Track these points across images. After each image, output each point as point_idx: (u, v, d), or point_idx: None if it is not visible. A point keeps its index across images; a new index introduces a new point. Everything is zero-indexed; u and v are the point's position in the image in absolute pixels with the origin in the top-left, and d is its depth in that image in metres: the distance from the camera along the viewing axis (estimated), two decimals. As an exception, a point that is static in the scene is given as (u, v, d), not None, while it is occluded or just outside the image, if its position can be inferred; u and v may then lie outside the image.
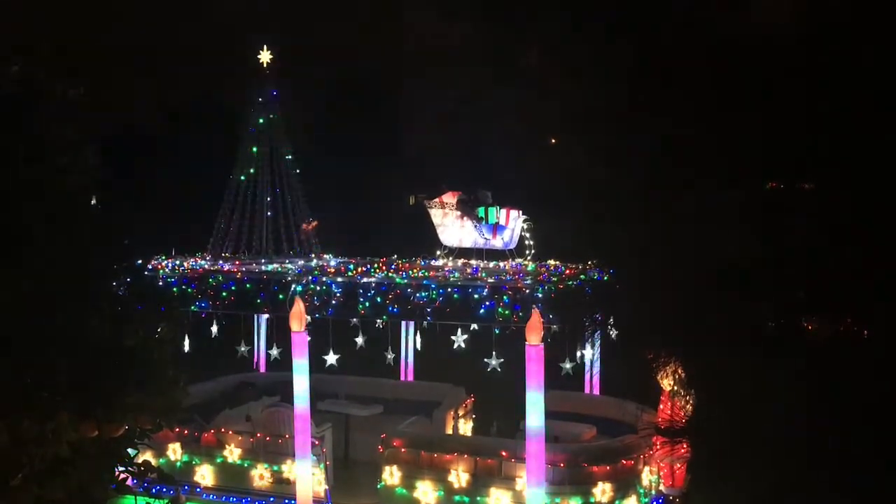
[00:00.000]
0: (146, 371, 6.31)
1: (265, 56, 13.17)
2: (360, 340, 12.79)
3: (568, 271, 10.88)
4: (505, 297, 9.83)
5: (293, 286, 10.74)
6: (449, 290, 10.14)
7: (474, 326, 10.64)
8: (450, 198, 11.95)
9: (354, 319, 12.07)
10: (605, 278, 10.63)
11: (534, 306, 9.53)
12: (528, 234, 11.70)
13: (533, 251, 11.76)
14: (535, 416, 9.36)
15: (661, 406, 9.86)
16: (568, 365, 11.37)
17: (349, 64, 23.35)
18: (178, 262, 12.23)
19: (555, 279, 10.16)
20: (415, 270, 11.18)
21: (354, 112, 23.98)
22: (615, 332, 11.25)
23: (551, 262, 11.73)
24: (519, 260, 11.82)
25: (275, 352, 13.90)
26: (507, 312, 9.81)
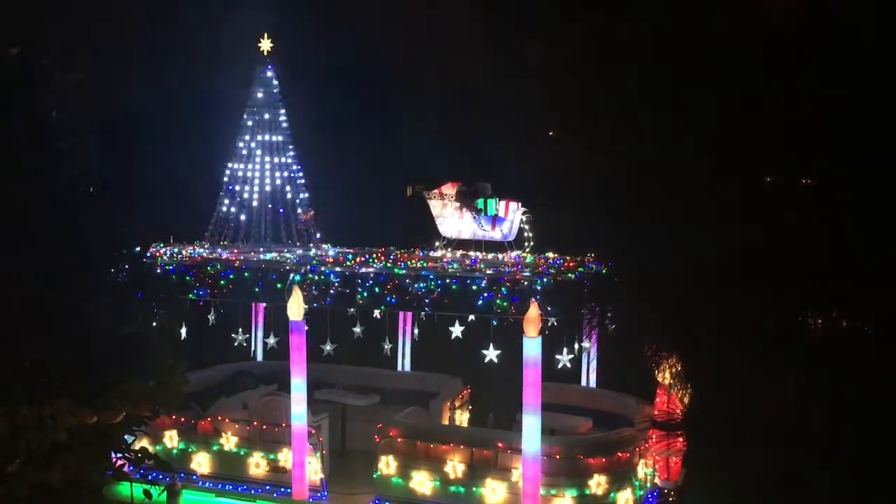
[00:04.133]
0: (144, 358, 6.32)
1: (265, 44, 13.12)
2: (357, 330, 12.78)
3: (567, 264, 10.87)
4: (503, 289, 9.84)
5: (291, 275, 10.74)
6: (447, 281, 10.14)
7: (471, 317, 10.64)
8: (449, 189, 11.92)
9: (352, 309, 12.07)
10: (604, 271, 10.67)
11: (532, 298, 9.54)
12: (527, 227, 11.69)
13: (532, 243, 11.75)
14: (531, 407, 9.38)
15: (658, 399, 9.88)
16: (565, 357, 11.38)
17: (349, 54, 23.30)
18: (176, 250, 12.21)
19: (553, 271, 10.16)
20: (413, 261, 11.17)
21: (354, 102, 23.93)
22: (613, 326, 11.30)
23: (550, 254, 11.72)
24: (518, 252, 11.82)
25: (272, 341, 13.90)
26: (505, 304, 9.82)
